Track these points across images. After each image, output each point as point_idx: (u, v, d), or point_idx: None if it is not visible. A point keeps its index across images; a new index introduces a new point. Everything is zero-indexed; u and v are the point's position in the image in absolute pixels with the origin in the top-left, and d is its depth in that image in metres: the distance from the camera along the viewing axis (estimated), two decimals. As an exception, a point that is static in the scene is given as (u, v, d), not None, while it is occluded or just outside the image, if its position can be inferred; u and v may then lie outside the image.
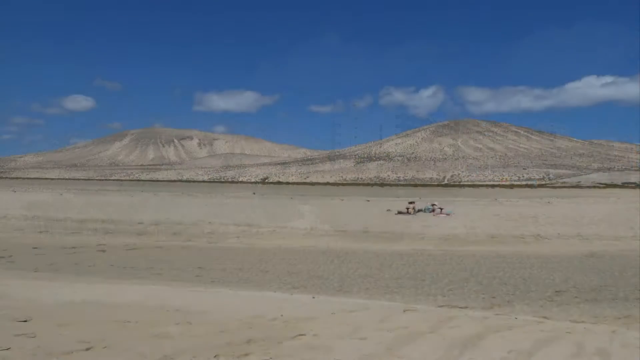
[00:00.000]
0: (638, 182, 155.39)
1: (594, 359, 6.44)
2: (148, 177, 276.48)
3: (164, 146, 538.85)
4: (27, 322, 7.63)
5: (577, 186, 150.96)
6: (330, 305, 9.39)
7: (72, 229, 23.92)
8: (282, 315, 8.40)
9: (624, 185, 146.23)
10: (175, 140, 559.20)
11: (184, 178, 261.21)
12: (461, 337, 7.20)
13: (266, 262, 15.26)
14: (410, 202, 37.27)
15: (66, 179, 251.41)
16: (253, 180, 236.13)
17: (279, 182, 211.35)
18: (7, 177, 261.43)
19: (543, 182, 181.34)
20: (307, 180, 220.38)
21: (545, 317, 9.01)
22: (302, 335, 7.25)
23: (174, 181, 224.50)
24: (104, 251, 17.29)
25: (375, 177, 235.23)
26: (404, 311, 8.88)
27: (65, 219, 28.71)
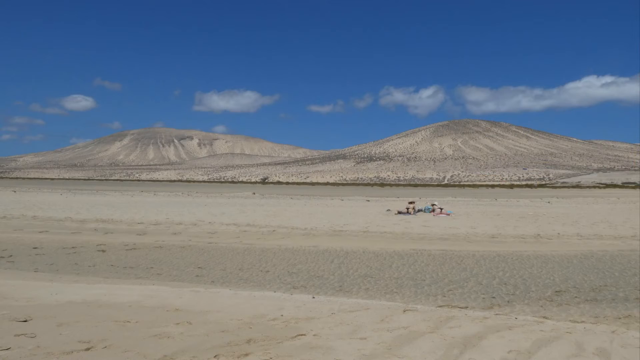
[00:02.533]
0: (638, 182, 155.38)
1: (594, 359, 6.44)
2: (148, 177, 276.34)
3: (164, 146, 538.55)
4: (27, 322, 7.63)
5: (577, 186, 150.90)
6: (330, 305, 9.39)
7: (71, 229, 23.92)
8: (282, 315, 8.40)
9: (624, 185, 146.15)
10: (175, 140, 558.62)
11: (184, 178, 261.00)
12: (461, 337, 7.20)
13: (266, 262, 15.26)
14: (410, 202, 37.25)
15: (66, 179, 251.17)
16: (253, 180, 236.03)
17: (278, 182, 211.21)
18: (7, 177, 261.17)
19: (543, 182, 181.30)
20: (307, 180, 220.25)
21: (545, 317, 9.01)
22: (302, 335, 7.25)
23: (174, 181, 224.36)
24: (104, 251, 17.29)
25: (375, 177, 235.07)
26: (404, 311, 8.89)
27: (65, 219, 28.72)
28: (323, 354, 6.42)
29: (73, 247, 18.01)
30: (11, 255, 16.18)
